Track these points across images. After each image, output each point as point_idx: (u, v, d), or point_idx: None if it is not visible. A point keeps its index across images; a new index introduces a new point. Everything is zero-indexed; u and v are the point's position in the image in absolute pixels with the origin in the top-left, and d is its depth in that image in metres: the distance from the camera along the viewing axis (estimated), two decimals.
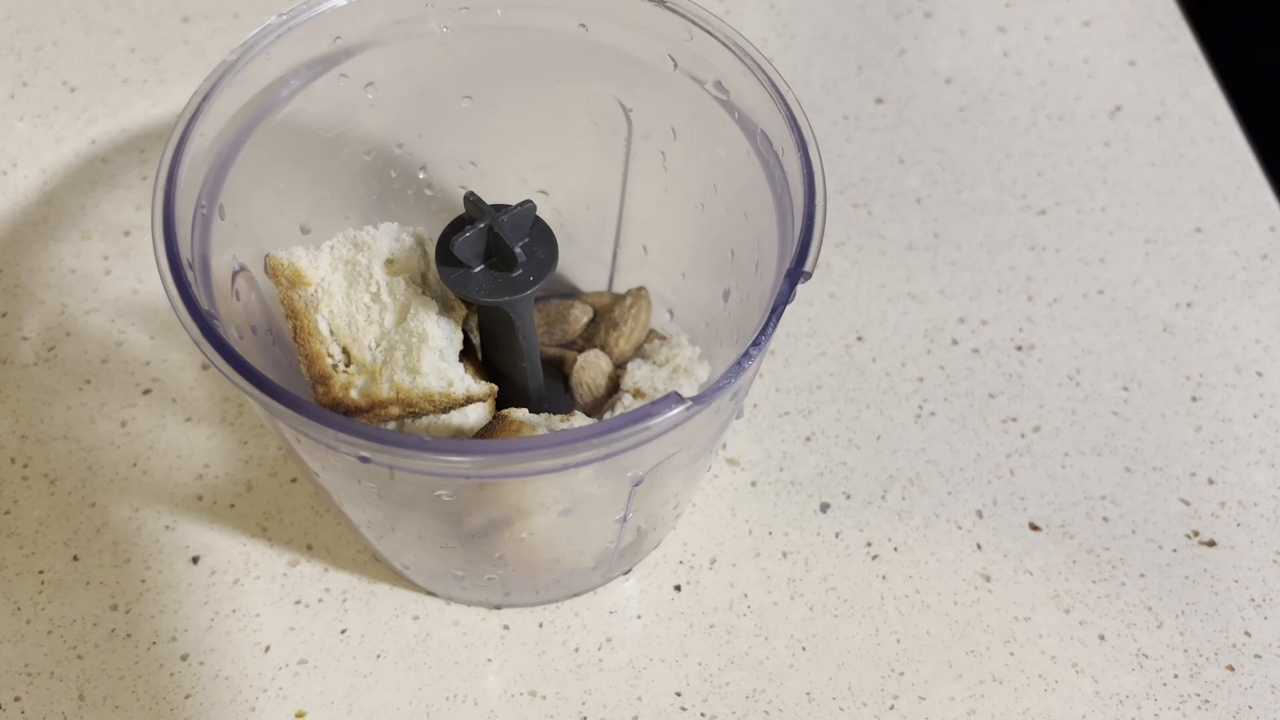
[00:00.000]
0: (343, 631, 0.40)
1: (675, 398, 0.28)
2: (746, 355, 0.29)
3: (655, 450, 0.31)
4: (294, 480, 0.43)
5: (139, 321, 0.47)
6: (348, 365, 0.35)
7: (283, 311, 0.36)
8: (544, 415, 0.35)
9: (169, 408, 0.45)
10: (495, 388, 0.36)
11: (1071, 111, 0.56)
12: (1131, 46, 0.58)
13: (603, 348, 0.42)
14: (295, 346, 0.35)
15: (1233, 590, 0.42)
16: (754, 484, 0.44)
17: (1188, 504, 0.44)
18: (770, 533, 0.43)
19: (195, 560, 0.42)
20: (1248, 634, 0.41)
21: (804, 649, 0.40)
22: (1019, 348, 0.48)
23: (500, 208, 0.34)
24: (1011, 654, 0.41)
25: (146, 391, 0.45)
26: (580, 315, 0.43)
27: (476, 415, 0.37)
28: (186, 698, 0.39)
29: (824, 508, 0.44)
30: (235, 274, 0.35)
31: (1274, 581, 0.42)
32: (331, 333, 0.35)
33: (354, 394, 0.35)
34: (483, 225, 0.33)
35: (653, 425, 0.28)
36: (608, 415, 0.40)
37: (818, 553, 0.43)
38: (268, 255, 0.35)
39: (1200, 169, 0.54)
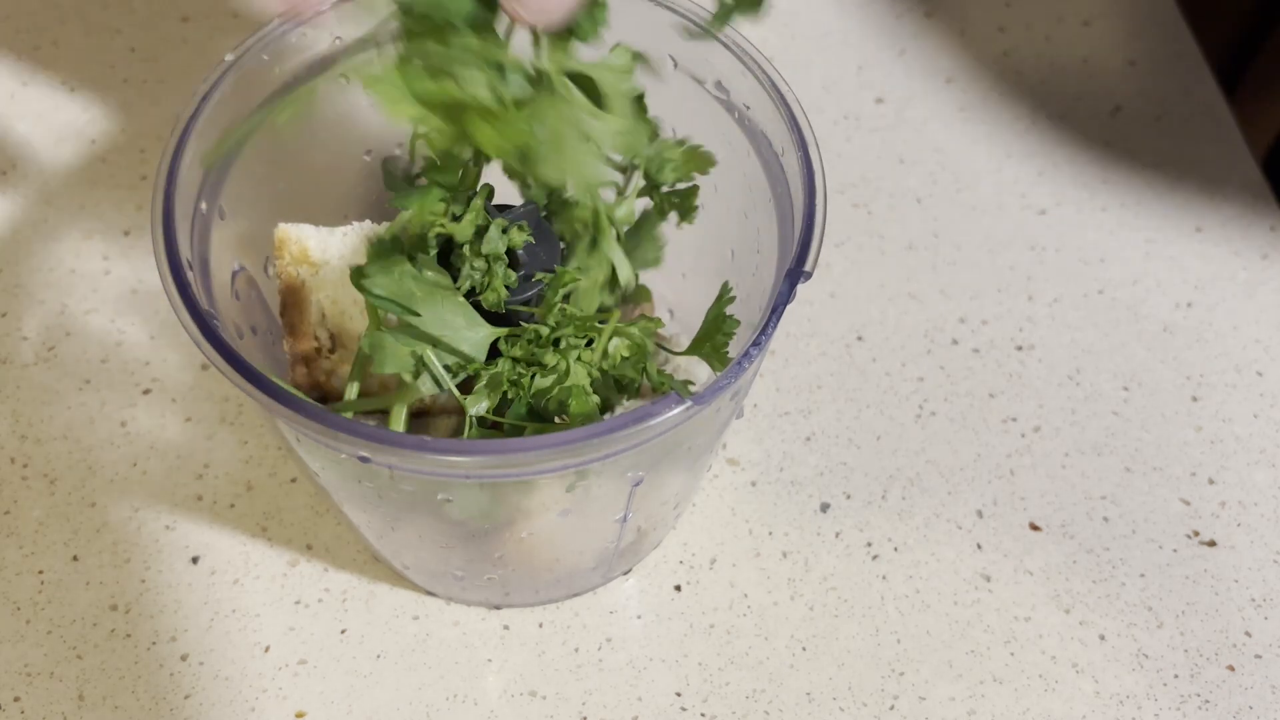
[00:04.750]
0: (343, 631, 0.40)
1: (675, 398, 0.28)
2: (746, 355, 0.29)
3: (655, 450, 0.31)
4: (294, 480, 0.43)
5: (139, 321, 0.47)
6: (332, 351, 0.35)
7: (278, 286, 0.35)
8: None
9: (169, 408, 0.45)
10: None
11: (1071, 111, 0.56)
12: (1131, 46, 0.58)
13: None
14: (281, 322, 0.35)
15: (1233, 590, 0.42)
16: (754, 484, 0.44)
17: (1188, 504, 0.44)
18: (770, 533, 0.43)
19: (195, 560, 0.42)
20: (1248, 634, 0.41)
21: (804, 649, 0.40)
22: (1019, 348, 0.48)
23: (503, 208, 0.34)
24: (1012, 654, 0.41)
25: (146, 391, 0.45)
26: None
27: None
28: (186, 698, 0.39)
29: (824, 508, 0.44)
30: (235, 274, 0.35)
31: (1274, 581, 0.42)
32: (324, 317, 0.35)
33: (335, 381, 0.35)
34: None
35: (653, 425, 0.28)
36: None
37: (818, 553, 0.43)
38: (279, 226, 0.35)
39: (1200, 169, 0.54)
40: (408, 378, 0.31)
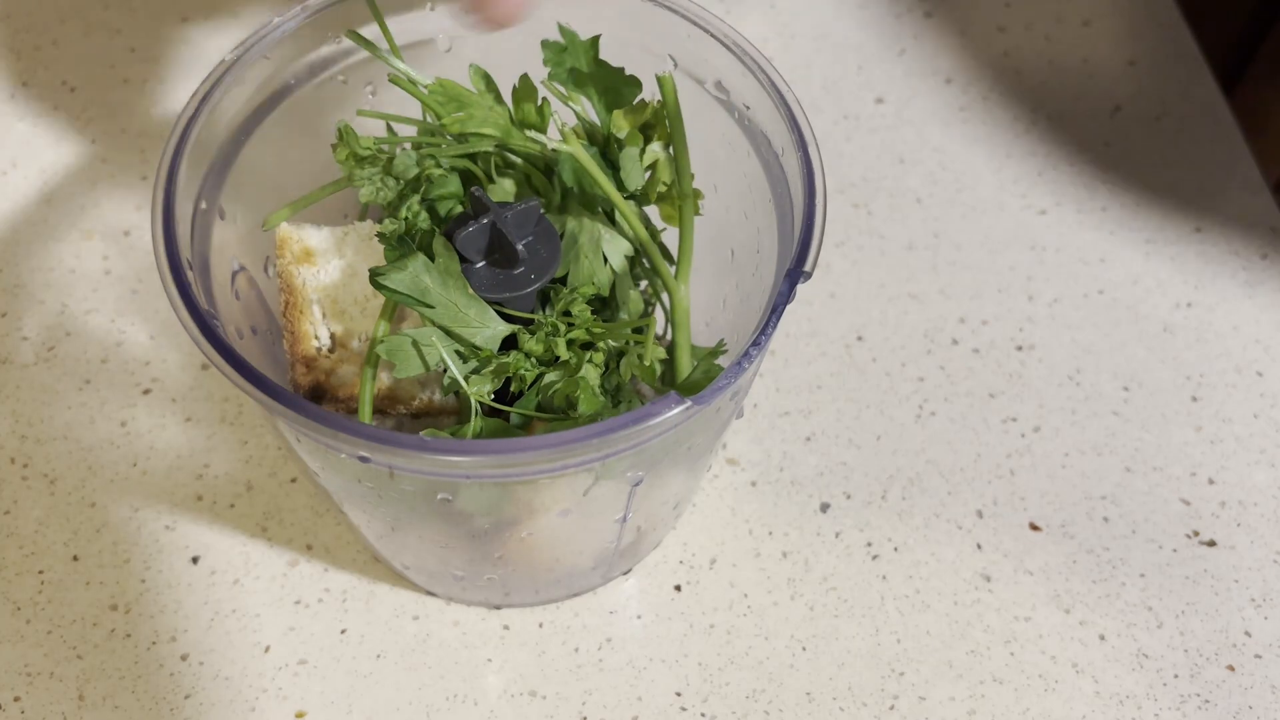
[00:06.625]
0: (343, 631, 0.40)
1: (675, 398, 0.28)
2: (746, 355, 0.29)
3: (655, 450, 0.31)
4: (294, 480, 0.43)
5: (139, 321, 0.47)
6: (332, 351, 0.35)
7: (279, 285, 0.35)
8: None
9: (169, 408, 0.45)
10: None
11: (1071, 111, 0.56)
12: (1131, 46, 0.58)
13: None
14: (283, 322, 0.35)
15: (1233, 590, 0.42)
16: (754, 484, 0.44)
17: (1188, 504, 0.44)
18: (770, 533, 0.43)
19: (195, 560, 0.42)
20: (1248, 634, 0.41)
21: (804, 649, 0.40)
22: (1019, 348, 0.48)
23: (504, 205, 0.34)
24: (1012, 654, 0.41)
25: (146, 391, 0.45)
26: None
27: None
28: (186, 698, 0.39)
29: (824, 508, 0.44)
30: (235, 274, 0.35)
31: (1274, 581, 0.42)
32: (324, 316, 0.35)
33: (335, 381, 0.35)
34: (486, 220, 0.33)
35: (653, 425, 0.28)
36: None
37: (818, 553, 0.43)
38: (280, 225, 0.35)
39: (1200, 169, 0.54)
40: (416, 371, 0.32)
